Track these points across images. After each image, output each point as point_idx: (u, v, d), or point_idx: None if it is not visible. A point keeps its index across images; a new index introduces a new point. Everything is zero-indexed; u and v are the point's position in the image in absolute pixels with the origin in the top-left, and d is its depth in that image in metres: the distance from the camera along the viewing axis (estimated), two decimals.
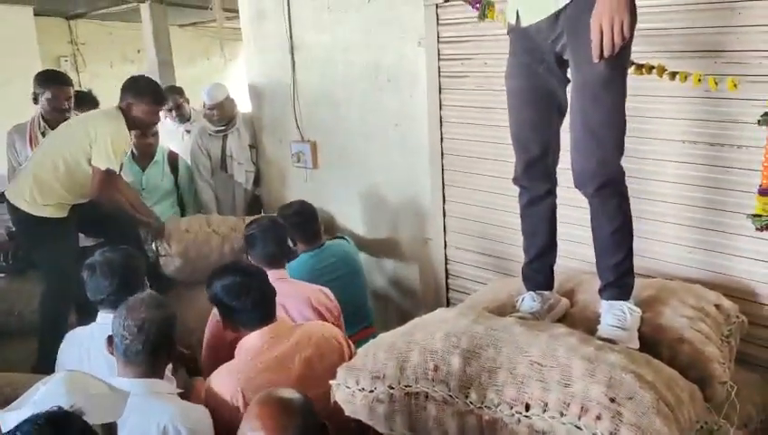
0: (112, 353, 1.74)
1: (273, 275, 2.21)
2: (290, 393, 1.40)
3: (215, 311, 2.11)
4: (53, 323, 2.75)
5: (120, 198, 2.96)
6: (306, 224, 2.87)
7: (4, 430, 1.25)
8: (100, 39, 7.82)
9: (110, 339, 1.73)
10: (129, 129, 2.91)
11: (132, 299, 1.75)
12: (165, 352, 1.71)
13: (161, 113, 4.11)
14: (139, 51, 7.72)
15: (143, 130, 3.10)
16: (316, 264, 2.80)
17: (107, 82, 5.24)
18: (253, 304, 1.91)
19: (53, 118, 3.14)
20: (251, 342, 1.91)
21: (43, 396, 1.34)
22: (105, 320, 1.94)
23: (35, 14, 6.13)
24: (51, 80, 3.18)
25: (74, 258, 2.74)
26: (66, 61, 7.58)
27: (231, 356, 1.95)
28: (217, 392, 1.80)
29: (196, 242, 3.13)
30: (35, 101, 3.18)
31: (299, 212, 2.89)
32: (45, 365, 2.63)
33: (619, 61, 1.62)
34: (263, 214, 3.47)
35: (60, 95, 3.14)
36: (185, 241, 3.12)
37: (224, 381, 1.82)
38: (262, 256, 2.41)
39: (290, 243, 2.75)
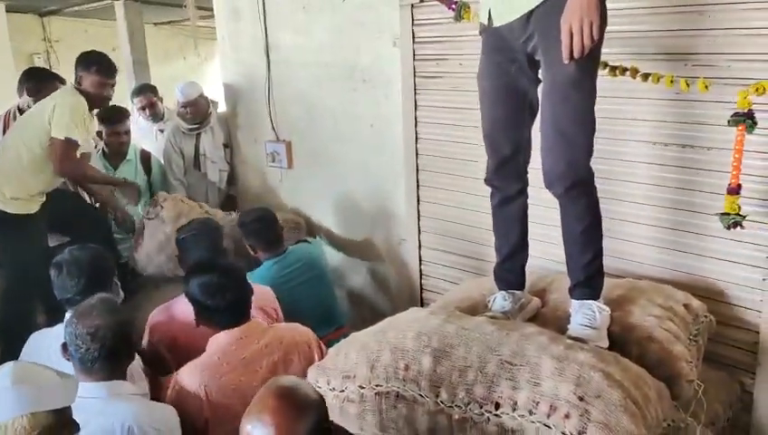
0: (69, 359, 1.69)
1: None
2: (306, 388, 1.32)
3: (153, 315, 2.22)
4: (15, 324, 2.68)
5: (89, 169, 2.93)
6: (267, 230, 2.80)
7: None
8: (74, 36, 7.68)
9: (64, 346, 1.68)
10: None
11: (83, 305, 1.70)
12: (124, 354, 1.66)
13: (135, 112, 4.09)
14: (114, 49, 7.58)
15: (96, 105, 2.97)
16: (280, 270, 2.74)
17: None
18: (226, 305, 1.90)
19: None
20: (220, 340, 1.90)
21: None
22: None
23: (7, 11, 6.01)
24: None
25: (40, 258, 2.66)
26: (39, 58, 7.44)
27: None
28: (183, 386, 1.80)
29: (191, 214, 3.05)
30: (30, 93, 3.16)
31: (259, 219, 2.81)
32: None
33: (589, 62, 1.63)
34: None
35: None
36: (179, 208, 3.07)
37: (190, 377, 1.82)
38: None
39: (251, 250, 2.80)
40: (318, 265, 2.90)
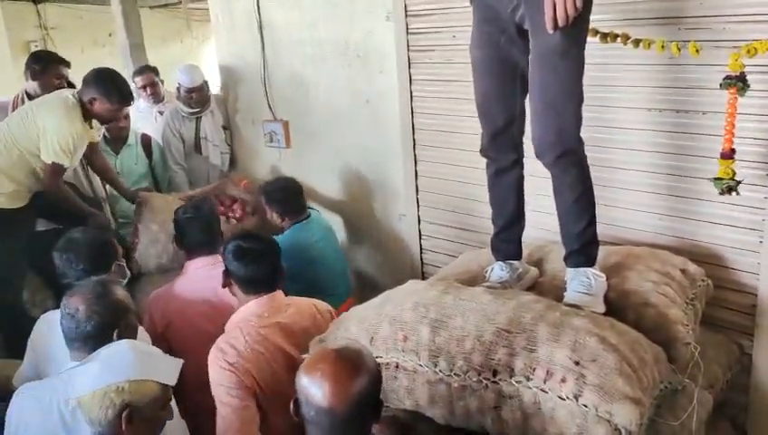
0: None
1: (205, 262, 2.31)
2: (368, 356, 1.35)
3: None
4: (6, 311, 2.74)
5: (65, 191, 2.87)
6: (292, 198, 2.91)
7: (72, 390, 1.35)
8: (70, 23, 7.65)
9: (60, 322, 1.71)
10: (88, 119, 2.81)
11: (75, 288, 1.72)
12: (110, 337, 1.64)
13: (135, 93, 4.08)
14: (110, 34, 7.55)
15: (102, 123, 2.97)
16: (305, 234, 2.86)
17: (78, 67, 5.12)
18: (260, 274, 1.95)
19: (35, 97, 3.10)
20: (251, 309, 1.94)
21: (109, 351, 1.40)
22: None
23: None
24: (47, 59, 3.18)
25: (24, 250, 2.74)
26: (36, 46, 7.40)
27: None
28: (222, 359, 1.81)
29: (171, 205, 2.97)
30: (34, 77, 3.16)
31: (283, 187, 2.93)
32: (13, 350, 2.64)
33: (576, 31, 1.63)
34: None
35: (59, 73, 3.15)
36: (159, 202, 3.11)
37: (230, 346, 1.83)
38: (193, 244, 2.38)
39: (277, 218, 2.91)
40: (333, 234, 3.04)
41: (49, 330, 1.92)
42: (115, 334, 1.63)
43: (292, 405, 1.30)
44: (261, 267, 1.95)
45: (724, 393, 2.05)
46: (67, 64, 3.23)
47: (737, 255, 2.10)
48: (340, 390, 1.24)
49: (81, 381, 1.36)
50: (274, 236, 2.36)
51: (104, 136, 3.52)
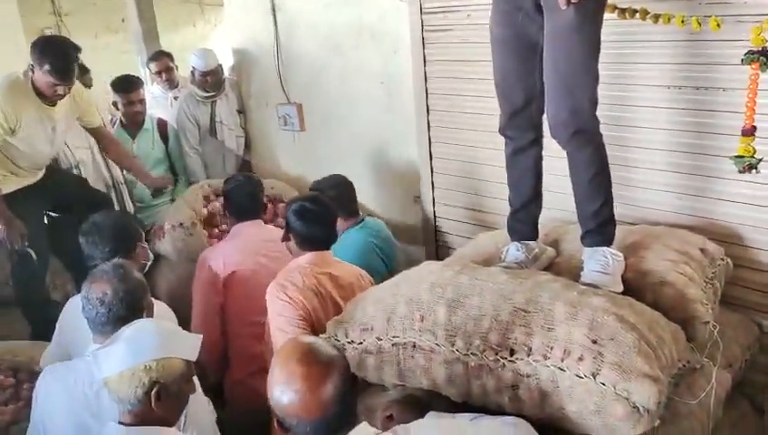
0: None
1: (254, 224, 2.52)
2: (327, 348, 1.35)
3: (201, 256, 2.50)
4: (28, 294, 2.80)
5: None
6: (345, 197, 2.71)
7: (99, 372, 1.39)
8: (83, 9, 7.67)
9: (83, 308, 1.74)
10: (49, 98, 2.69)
11: (97, 269, 1.75)
12: (131, 319, 1.66)
13: (149, 81, 4.10)
14: (123, 20, 7.57)
15: (44, 97, 2.71)
16: (364, 237, 2.68)
17: (92, 53, 5.15)
18: (312, 230, 2.11)
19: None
20: (307, 258, 2.11)
21: (133, 332, 1.43)
22: None
23: None
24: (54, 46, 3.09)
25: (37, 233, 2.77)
26: (50, 32, 7.44)
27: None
28: (283, 293, 1.98)
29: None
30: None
31: (336, 185, 2.72)
32: (40, 332, 2.69)
33: (591, 7, 1.61)
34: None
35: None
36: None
37: (289, 282, 2.00)
38: (242, 210, 2.58)
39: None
40: (391, 244, 2.79)
41: (75, 313, 1.96)
42: (145, 314, 1.66)
43: (275, 424, 1.30)
44: (320, 227, 2.13)
45: (742, 373, 2.04)
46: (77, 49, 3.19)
47: (757, 233, 2.08)
48: (316, 396, 1.24)
49: (108, 362, 1.39)
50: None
51: (120, 121, 3.56)
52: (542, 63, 1.79)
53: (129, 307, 1.66)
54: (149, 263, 2.21)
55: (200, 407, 1.74)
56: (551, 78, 1.69)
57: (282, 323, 1.95)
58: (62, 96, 2.71)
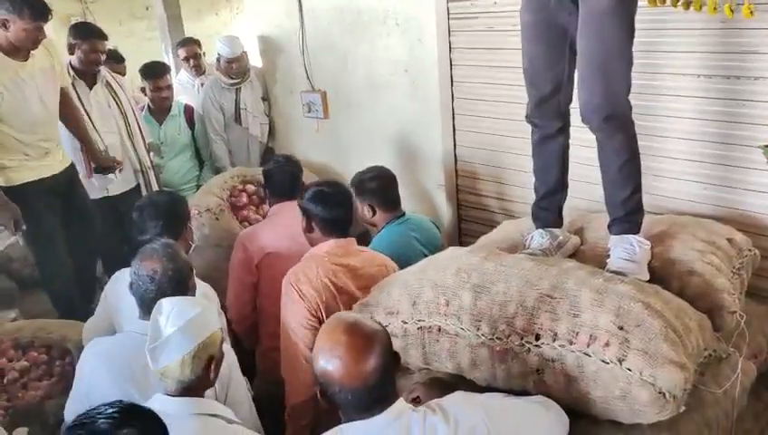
0: None
1: (293, 205, 2.39)
2: (371, 322, 1.41)
3: (239, 236, 2.56)
4: (52, 276, 2.88)
5: None
6: (388, 189, 2.62)
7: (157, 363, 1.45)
8: None
9: (130, 285, 1.79)
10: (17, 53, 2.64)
11: (146, 248, 1.80)
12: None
13: (175, 67, 4.14)
14: (147, 8, 7.65)
15: (17, 54, 2.66)
16: (404, 232, 2.57)
17: (117, 40, 5.22)
18: (333, 215, 2.13)
19: (87, 70, 3.15)
20: (327, 247, 2.12)
21: (182, 317, 1.47)
22: None
23: None
24: (89, 33, 3.14)
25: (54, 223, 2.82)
26: (76, 20, 7.54)
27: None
28: (296, 284, 2.01)
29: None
30: (71, 51, 3.15)
31: (378, 176, 2.63)
32: (66, 311, 2.76)
33: None
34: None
35: (96, 48, 3.12)
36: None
37: (303, 274, 2.03)
38: (280, 190, 2.63)
39: (368, 213, 2.62)
40: (434, 237, 2.67)
41: (120, 286, 2.02)
42: (189, 293, 1.73)
43: (318, 393, 1.35)
44: (340, 209, 2.15)
45: (767, 364, 2.03)
46: (103, 37, 3.18)
47: None
48: (359, 364, 1.29)
49: (165, 354, 1.44)
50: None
51: (148, 106, 3.62)
52: (571, 51, 1.79)
53: (176, 286, 1.71)
54: (194, 245, 2.30)
55: (239, 387, 1.81)
56: (584, 62, 1.69)
57: (288, 317, 2.01)
58: (39, 43, 2.68)
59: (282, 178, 2.65)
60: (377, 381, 1.30)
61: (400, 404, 1.34)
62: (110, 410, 1.13)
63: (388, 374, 1.33)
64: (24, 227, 2.65)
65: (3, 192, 2.62)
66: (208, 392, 1.56)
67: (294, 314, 1.99)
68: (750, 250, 1.98)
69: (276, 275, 2.20)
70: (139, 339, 1.60)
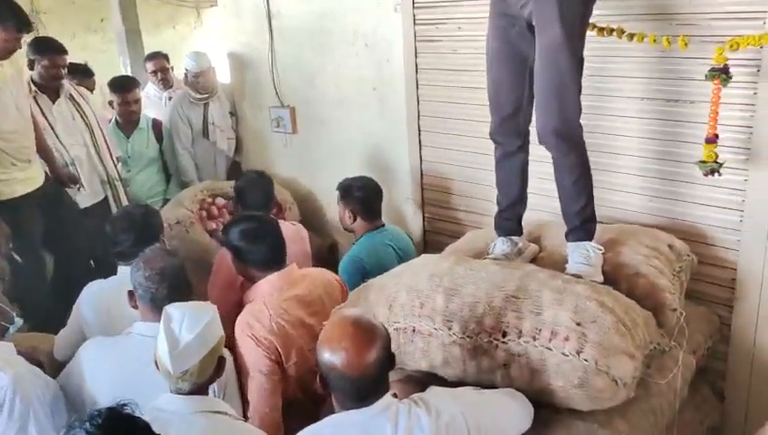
0: (135, 307, 1.87)
1: None
2: (373, 319, 1.54)
3: (220, 254, 2.39)
4: (31, 288, 2.88)
5: None
6: (372, 199, 2.74)
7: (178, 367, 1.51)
8: (61, 8, 7.61)
9: (130, 293, 1.86)
10: None
11: (146, 253, 1.89)
12: (186, 292, 1.85)
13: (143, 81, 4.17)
14: (102, 20, 7.56)
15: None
16: (377, 243, 2.67)
17: (70, 54, 5.19)
18: (267, 249, 2.08)
19: (48, 84, 3.17)
20: (270, 284, 2.05)
21: (192, 323, 1.54)
22: (125, 272, 2.02)
23: None
24: (47, 48, 3.16)
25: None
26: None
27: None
28: (250, 333, 1.95)
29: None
30: (30, 66, 3.16)
31: (365, 186, 2.73)
32: (39, 323, 2.77)
33: (576, 28, 1.80)
34: None
35: (56, 63, 3.14)
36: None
37: (256, 320, 1.96)
38: (249, 204, 2.64)
39: (348, 218, 2.72)
40: (410, 253, 2.77)
41: (99, 299, 2.11)
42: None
43: (318, 380, 1.47)
44: (273, 240, 2.09)
45: (705, 360, 2.22)
46: (63, 52, 3.19)
47: (719, 233, 2.27)
48: (361, 355, 1.41)
49: (183, 360, 1.51)
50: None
51: (116, 120, 3.64)
52: (530, 77, 1.97)
53: (183, 279, 1.83)
54: None
55: (233, 385, 1.91)
56: (540, 89, 1.87)
57: (249, 365, 1.94)
58: (13, 53, 2.73)
59: (254, 193, 2.71)
60: (374, 374, 1.43)
61: (388, 397, 1.47)
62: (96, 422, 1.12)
63: (385, 369, 1.46)
64: (11, 246, 2.67)
65: None
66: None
67: (253, 362, 1.94)
68: (688, 255, 2.19)
69: None
70: (140, 340, 1.68)
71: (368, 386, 1.43)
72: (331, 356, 1.42)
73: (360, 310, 1.64)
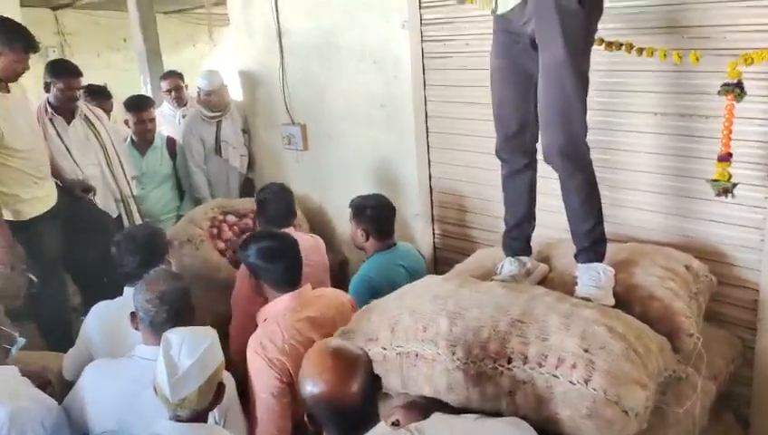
0: (137, 328, 1.86)
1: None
2: (354, 347, 1.51)
3: (241, 270, 2.37)
4: (47, 312, 2.92)
5: None
6: (385, 218, 2.70)
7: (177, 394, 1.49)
8: (86, 29, 7.83)
9: (132, 315, 1.85)
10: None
11: (149, 274, 1.88)
12: (187, 317, 1.83)
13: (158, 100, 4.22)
14: (125, 39, 7.74)
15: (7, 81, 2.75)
16: (388, 262, 2.64)
17: (95, 72, 5.29)
18: (284, 269, 2.06)
19: (63, 107, 3.20)
20: (284, 304, 2.05)
21: (192, 348, 1.53)
22: (130, 293, 2.00)
23: (21, 5, 6.13)
24: (63, 71, 3.19)
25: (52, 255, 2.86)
26: (54, 51, 7.58)
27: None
28: (263, 354, 1.93)
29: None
30: (47, 89, 3.20)
31: (378, 205, 2.70)
32: (54, 345, 2.78)
33: (580, 45, 1.75)
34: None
35: (72, 86, 3.18)
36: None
37: (269, 341, 1.95)
38: (272, 217, 2.67)
39: (361, 237, 2.67)
40: (421, 271, 2.70)
41: (106, 320, 2.10)
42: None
43: (305, 418, 1.44)
44: (291, 260, 2.08)
45: (727, 385, 2.13)
46: (78, 75, 3.22)
47: (739, 252, 2.19)
48: (344, 385, 1.38)
49: (183, 386, 1.50)
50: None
51: (131, 139, 3.68)
52: (535, 94, 1.92)
53: (185, 304, 1.81)
54: None
55: (237, 412, 1.89)
56: (544, 108, 1.81)
57: (259, 386, 1.93)
58: (22, 75, 2.77)
59: (276, 204, 2.74)
60: (360, 403, 1.38)
61: (381, 427, 1.41)
62: None
63: (371, 397, 1.42)
64: (25, 267, 2.70)
65: (11, 228, 2.68)
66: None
67: (263, 383, 1.92)
68: (706, 276, 2.10)
69: None
70: (141, 364, 1.66)
71: (355, 415, 1.39)
72: (314, 390, 1.39)
73: (337, 339, 1.60)
